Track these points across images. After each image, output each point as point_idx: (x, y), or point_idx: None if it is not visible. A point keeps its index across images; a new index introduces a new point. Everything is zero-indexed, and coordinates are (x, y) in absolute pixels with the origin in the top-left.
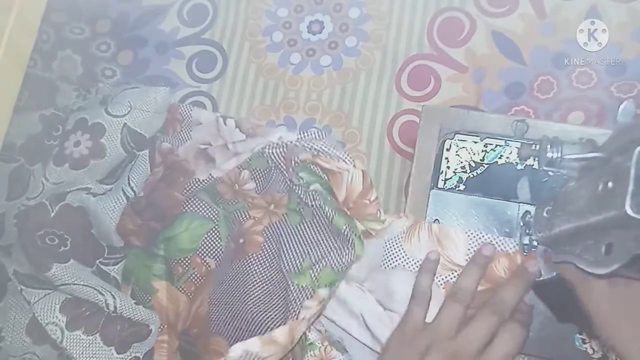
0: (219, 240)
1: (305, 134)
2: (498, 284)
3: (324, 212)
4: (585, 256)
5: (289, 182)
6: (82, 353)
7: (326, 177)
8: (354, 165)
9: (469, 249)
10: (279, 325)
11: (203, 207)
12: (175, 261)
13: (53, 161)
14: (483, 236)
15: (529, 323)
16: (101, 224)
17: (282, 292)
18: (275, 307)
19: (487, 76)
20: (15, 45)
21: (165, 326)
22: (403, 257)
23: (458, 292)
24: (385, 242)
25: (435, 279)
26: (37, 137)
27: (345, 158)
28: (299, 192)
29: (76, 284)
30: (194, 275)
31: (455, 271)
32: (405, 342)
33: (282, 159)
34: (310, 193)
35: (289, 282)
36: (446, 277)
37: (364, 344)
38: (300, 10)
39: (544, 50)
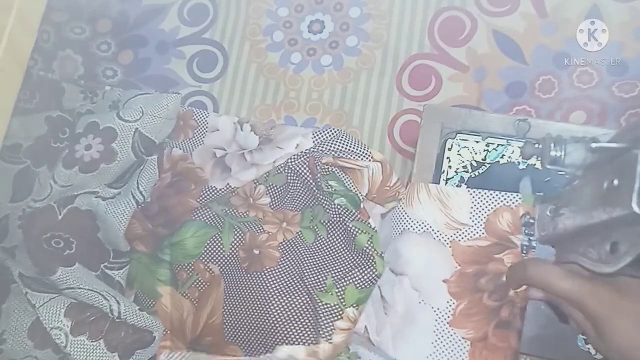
0: (221, 247)
1: (320, 136)
2: (501, 238)
3: (347, 229)
4: (589, 255)
5: (314, 191)
6: (85, 358)
7: (350, 181)
8: (372, 158)
9: (472, 207)
10: (308, 342)
11: (209, 215)
12: (180, 267)
13: (62, 164)
14: (485, 193)
15: None
16: (109, 228)
17: (308, 308)
18: (302, 322)
19: (488, 75)
20: (15, 45)
21: (168, 332)
22: (407, 221)
23: None
24: (390, 214)
25: (440, 238)
26: (44, 139)
27: (363, 154)
28: (324, 201)
29: (81, 288)
30: (198, 281)
31: (460, 230)
32: None
33: (306, 168)
34: (335, 207)
35: (317, 300)
36: (451, 236)
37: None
38: (300, 9)
39: (545, 50)
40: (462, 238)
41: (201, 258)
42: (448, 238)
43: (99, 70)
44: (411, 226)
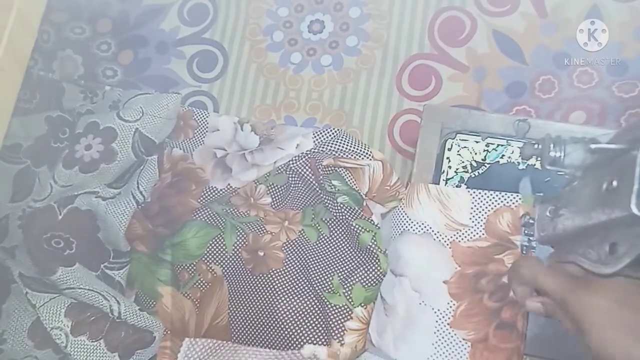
0: (224, 247)
1: (321, 136)
2: (501, 239)
3: (351, 227)
4: (589, 255)
5: (317, 190)
6: (85, 358)
7: (352, 179)
8: (373, 157)
9: (472, 208)
10: (320, 343)
11: (210, 214)
12: (182, 267)
13: (62, 164)
14: (485, 193)
15: None
16: (110, 227)
17: (316, 310)
18: (312, 324)
19: (488, 75)
20: (15, 45)
21: (169, 332)
22: (407, 222)
23: None
24: (390, 214)
25: (440, 238)
26: (44, 139)
27: (364, 153)
28: (326, 200)
29: (81, 288)
30: (200, 282)
31: (460, 230)
32: None
33: (308, 169)
34: (338, 205)
35: (325, 302)
36: (451, 237)
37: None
38: (300, 9)
39: (545, 50)
40: (462, 239)
41: (203, 259)
42: (448, 239)
43: (99, 70)
44: (411, 227)
